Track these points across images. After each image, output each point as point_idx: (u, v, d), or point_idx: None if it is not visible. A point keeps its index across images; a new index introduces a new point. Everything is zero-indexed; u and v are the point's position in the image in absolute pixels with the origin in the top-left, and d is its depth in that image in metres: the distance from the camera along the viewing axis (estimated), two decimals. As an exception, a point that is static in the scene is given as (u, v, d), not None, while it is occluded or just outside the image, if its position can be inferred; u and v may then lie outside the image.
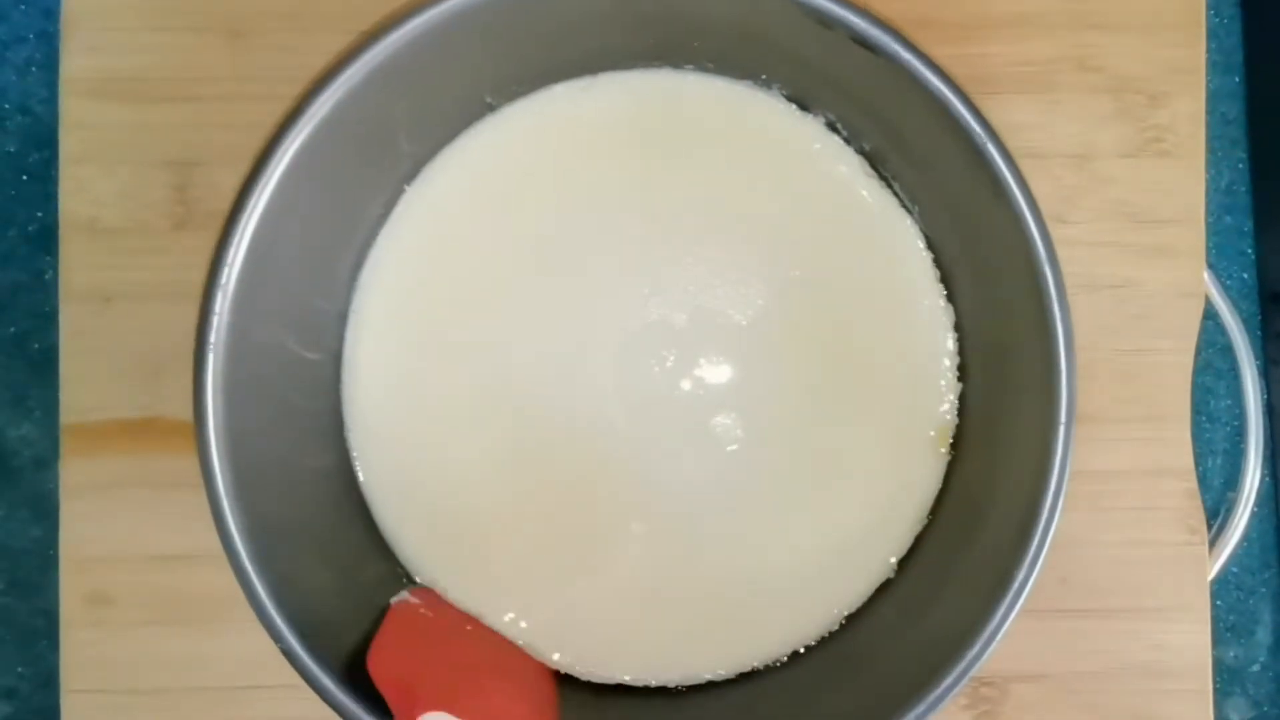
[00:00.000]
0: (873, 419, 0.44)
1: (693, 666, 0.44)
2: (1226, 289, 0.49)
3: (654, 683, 0.44)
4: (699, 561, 0.44)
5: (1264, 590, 0.51)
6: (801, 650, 0.44)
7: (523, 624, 0.44)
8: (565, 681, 0.44)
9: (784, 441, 0.44)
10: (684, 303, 0.44)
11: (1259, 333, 0.50)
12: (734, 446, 0.44)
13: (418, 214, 0.44)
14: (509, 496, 0.44)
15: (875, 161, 0.44)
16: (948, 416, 0.44)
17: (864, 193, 0.44)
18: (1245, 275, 0.51)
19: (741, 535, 0.44)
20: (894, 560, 0.44)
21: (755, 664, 0.44)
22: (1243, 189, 0.51)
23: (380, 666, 0.39)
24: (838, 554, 0.44)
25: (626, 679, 0.44)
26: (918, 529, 0.44)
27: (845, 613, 0.44)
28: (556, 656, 0.44)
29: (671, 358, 0.44)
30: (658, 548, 0.44)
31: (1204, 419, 0.50)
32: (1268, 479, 0.50)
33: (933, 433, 0.44)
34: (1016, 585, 0.38)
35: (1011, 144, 0.38)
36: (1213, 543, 0.47)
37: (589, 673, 0.44)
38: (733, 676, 0.44)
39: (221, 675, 0.45)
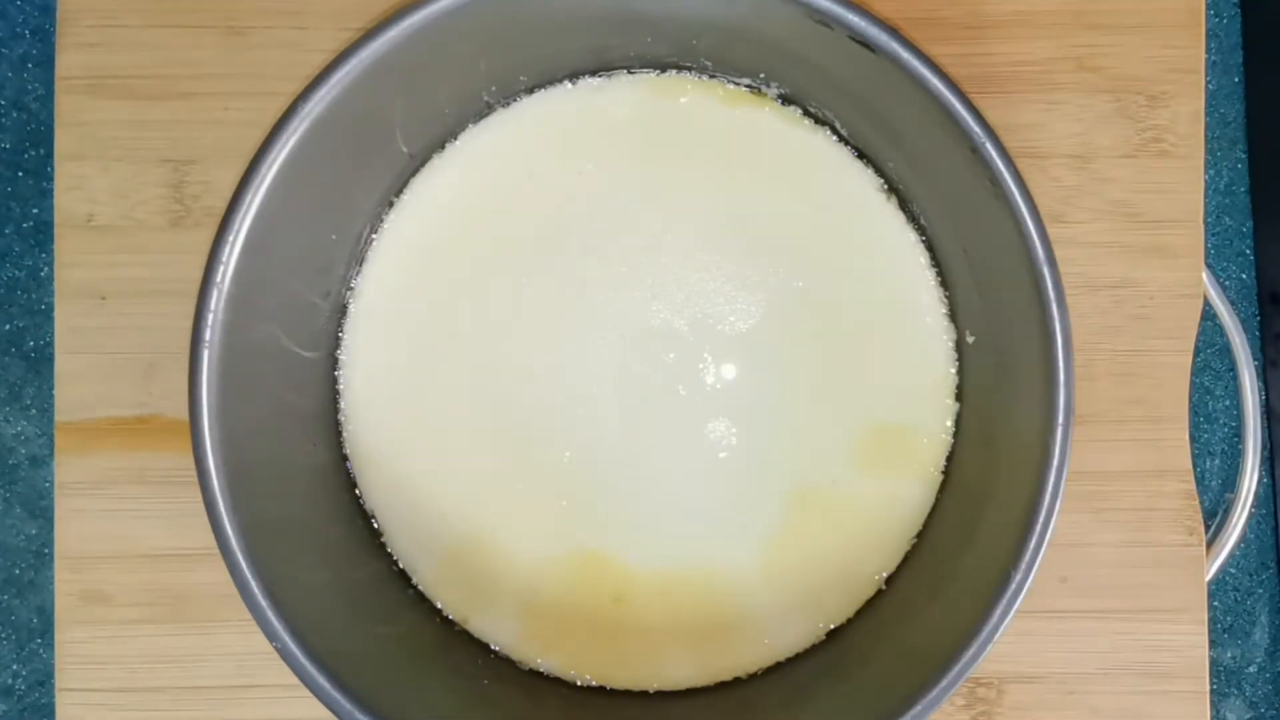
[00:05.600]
0: (867, 425, 0.44)
1: (675, 676, 0.44)
2: (1225, 290, 0.49)
3: (644, 689, 0.44)
4: (689, 568, 0.44)
5: (1261, 591, 0.51)
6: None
7: (515, 625, 0.44)
8: (555, 684, 0.44)
9: (777, 448, 0.44)
10: (684, 308, 0.44)
11: (1257, 334, 0.50)
12: (724, 454, 0.44)
13: (415, 213, 0.44)
14: (503, 497, 0.44)
15: (875, 162, 0.44)
16: (946, 423, 0.44)
17: (862, 193, 0.44)
18: (1244, 276, 0.51)
19: (732, 542, 0.44)
20: (881, 576, 0.44)
21: (739, 674, 0.44)
22: (1242, 189, 0.51)
23: None
24: (827, 567, 0.44)
25: (614, 685, 0.44)
26: (907, 547, 0.44)
27: (831, 626, 0.44)
28: (547, 659, 0.44)
29: (670, 362, 0.44)
30: (651, 552, 0.44)
31: (1202, 420, 0.50)
32: (1265, 480, 0.50)
33: (928, 441, 0.44)
34: (1014, 586, 0.38)
35: (1011, 144, 0.38)
36: (1210, 544, 0.47)
37: (578, 676, 0.44)
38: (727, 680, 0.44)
39: (217, 674, 0.45)
